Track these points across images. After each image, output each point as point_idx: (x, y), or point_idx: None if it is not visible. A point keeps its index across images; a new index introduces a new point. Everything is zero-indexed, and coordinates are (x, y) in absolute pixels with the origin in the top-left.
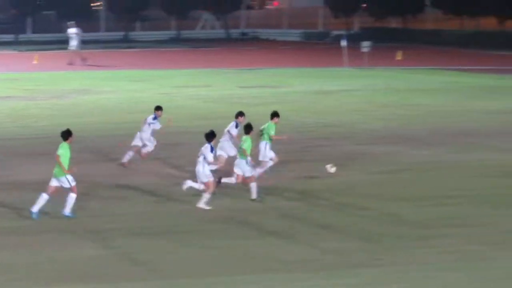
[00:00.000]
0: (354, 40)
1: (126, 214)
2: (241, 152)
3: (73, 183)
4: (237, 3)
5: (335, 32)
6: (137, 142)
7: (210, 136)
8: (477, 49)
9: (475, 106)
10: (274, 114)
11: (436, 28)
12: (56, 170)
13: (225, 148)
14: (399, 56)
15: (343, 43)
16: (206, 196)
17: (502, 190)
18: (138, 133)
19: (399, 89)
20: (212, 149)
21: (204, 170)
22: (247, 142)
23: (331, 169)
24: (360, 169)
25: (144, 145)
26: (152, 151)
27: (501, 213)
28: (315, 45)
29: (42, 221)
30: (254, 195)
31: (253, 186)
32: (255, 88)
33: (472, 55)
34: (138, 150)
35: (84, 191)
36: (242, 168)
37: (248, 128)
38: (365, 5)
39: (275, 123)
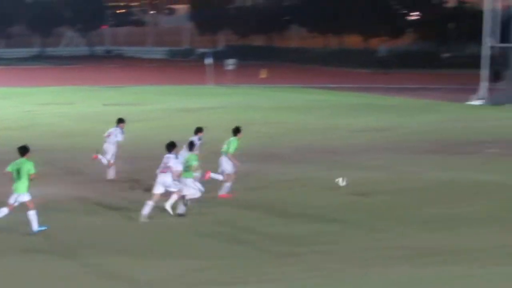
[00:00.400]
0: (219, 58)
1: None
2: (188, 170)
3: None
4: (101, 20)
5: (200, 50)
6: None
7: (171, 147)
8: (341, 66)
9: (339, 123)
10: (237, 130)
11: (300, 46)
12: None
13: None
14: (263, 74)
15: (208, 60)
16: (173, 198)
17: (362, 207)
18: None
19: (264, 106)
20: (176, 157)
21: (171, 180)
22: (193, 158)
23: (342, 182)
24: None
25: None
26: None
27: (356, 232)
28: (180, 62)
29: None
30: (181, 210)
31: (173, 198)
32: (120, 105)
33: (336, 73)
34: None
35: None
36: (189, 185)
37: (191, 146)
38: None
39: (239, 138)
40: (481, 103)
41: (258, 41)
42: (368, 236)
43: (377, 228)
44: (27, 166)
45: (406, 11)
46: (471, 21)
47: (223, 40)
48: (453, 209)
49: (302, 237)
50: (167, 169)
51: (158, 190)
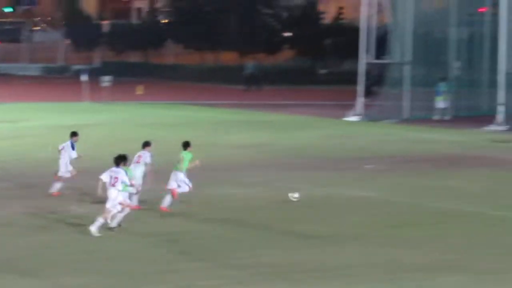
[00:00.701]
0: (95, 74)
1: None
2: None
3: None
4: None
5: (76, 67)
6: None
7: (120, 159)
8: (217, 83)
9: (217, 140)
10: (187, 144)
11: (176, 62)
12: None
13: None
14: (139, 90)
15: (84, 77)
16: (100, 221)
17: (238, 223)
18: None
19: (140, 123)
20: (126, 173)
21: (117, 196)
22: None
23: (294, 196)
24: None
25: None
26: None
27: (228, 247)
28: (56, 79)
29: None
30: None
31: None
32: None
33: (212, 90)
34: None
35: None
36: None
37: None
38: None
39: (190, 151)
40: (357, 119)
41: (134, 57)
42: (239, 252)
43: (251, 245)
44: None
45: (282, 27)
46: (348, 37)
47: (98, 56)
48: (325, 226)
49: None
50: (116, 182)
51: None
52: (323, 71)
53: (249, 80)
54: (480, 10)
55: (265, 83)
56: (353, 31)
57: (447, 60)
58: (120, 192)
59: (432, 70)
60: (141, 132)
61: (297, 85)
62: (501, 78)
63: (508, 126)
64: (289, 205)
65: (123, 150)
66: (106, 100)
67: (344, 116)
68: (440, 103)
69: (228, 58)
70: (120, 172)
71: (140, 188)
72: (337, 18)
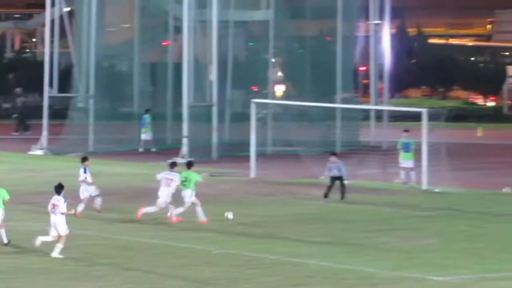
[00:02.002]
0: None
1: None
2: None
3: None
4: None
5: None
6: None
7: (60, 188)
8: None
9: None
10: (190, 163)
11: None
12: None
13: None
14: None
15: None
16: (59, 247)
17: None
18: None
19: None
20: (65, 201)
21: (62, 222)
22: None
23: (229, 215)
24: None
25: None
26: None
27: None
28: None
29: None
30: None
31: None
32: None
33: None
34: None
35: None
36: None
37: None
38: None
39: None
40: (42, 153)
41: None
42: None
43: None
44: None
45: None
46: (32, 71)
47: None
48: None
49: None
50: (56, 209)
51: (53, 233)
52: (6, 105)
53: None
54: (164, 43)
55: None
56: (37, 64)
57: (132, 92)
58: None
59: (116, 103)
60: None
61: None
62: (185, 111)
63: (192, 159)
64: None
65: None
66: None
67: (29, 150)
68: (145, 135)
69: None
70: (59, 199)
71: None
72: (19, 51)
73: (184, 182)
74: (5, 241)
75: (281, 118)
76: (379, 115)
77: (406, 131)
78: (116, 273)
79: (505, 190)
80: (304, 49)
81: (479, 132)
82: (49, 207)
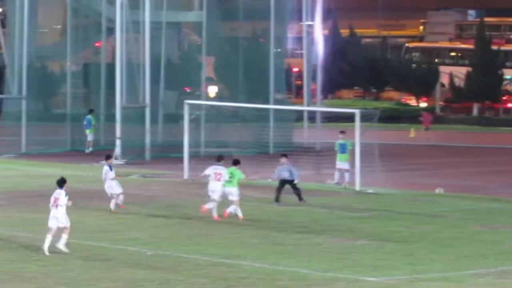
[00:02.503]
0: None
1: None
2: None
3: None
4: None
5: None
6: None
7: (62, 182)
8: None
9: None
10: (237, 161)
11: None
12: None
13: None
14: None
15: None
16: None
17: None
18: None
19: None
20: (66, 194)
21: (63, 214)
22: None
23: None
24: None
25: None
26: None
27: None
28: None
29: None
30: None
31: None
32: None
33: None
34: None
35: None
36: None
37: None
38: None
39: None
40: None
41: None
42: None
43: None
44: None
45: None
46: None
47: None
48: None
49: None
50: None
51: (52, 224)
52: None
53: None
54: (96, 44)
55: None
56: None
57: (65, 94)
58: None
59: (48, 104)
60: None
61: None
62: (118, 112)
63: (125, 160)
64: None
65: None
66: None
67: None
68: (90, 135)
69: None
70: (61, 193)
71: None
72: None
73: (230, 179)
74: None
75: (214, 119)
76: (312, 116)
77: (343, 132)
78: (49, 275)
79: (438, 191)
80: (237, 50)
81: (412, 133)
82: (52, 200)
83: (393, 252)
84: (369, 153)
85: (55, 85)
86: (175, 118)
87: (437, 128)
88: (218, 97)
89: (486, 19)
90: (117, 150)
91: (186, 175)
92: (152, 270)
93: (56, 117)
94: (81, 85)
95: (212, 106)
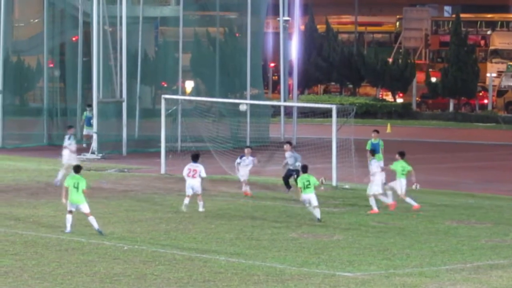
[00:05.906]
0: None
1: None
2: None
3: None
4: None
5: None
6: None
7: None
8: None
9: None
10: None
11: None
12: None
13: None
14: None
15: None
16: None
17: None
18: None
19: None
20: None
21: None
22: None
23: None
24: None
25: None
26: None
27: None
28: None
29: None
30: None
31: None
32: None
33: None
34: None
35: None
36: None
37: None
38: None
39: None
40: None
41: None
42: None
43: None
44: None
45: None
46: None
47: None
48: None
49: None
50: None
51: (189, 192)
52: None
53: None
54: (73, 39)
55: None
56: None
57: (41, 88)
58: None
59: (25, 98)
60: None
61: None
62: (95, 107)
63: (101, 154)
64: None
65: None
66: None
67: None
68: (86, 131)
69: None
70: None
71: None
72: None
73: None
74: None
75: (191, 114)
76: (288, 111)
77: (376, 131)
78: (24, 269)
79: (414, 186)
80: (213, 45)
81: (388, 129)
82: (186, 172)
83: (369, 247)
84: (345, 149)
85: (32, 79)
86: (152, 113)
87: (412, 124)
88: (195, 92)
89: (462, 15)
90: (94, 145)
91: (163, 169)
92: (128, 264)
93: (33, 111)
94: (58, 79)
95: (189, 101)
